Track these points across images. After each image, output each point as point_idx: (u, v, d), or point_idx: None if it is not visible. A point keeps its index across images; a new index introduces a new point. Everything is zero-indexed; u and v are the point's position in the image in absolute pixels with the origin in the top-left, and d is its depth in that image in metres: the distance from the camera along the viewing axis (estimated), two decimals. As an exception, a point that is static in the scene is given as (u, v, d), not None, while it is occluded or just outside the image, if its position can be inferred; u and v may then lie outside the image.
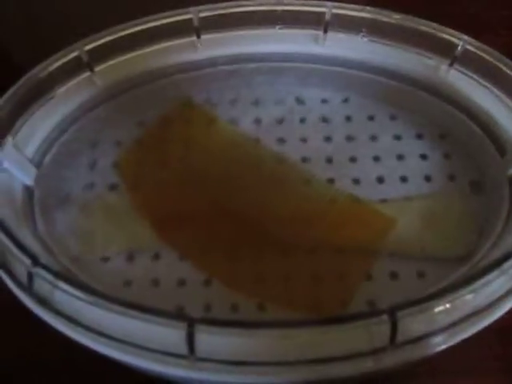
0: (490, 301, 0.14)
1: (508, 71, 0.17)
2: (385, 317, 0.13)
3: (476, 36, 0.19)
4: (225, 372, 0.13)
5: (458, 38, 0.18)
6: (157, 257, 0.18)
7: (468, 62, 0.18)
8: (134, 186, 0.19)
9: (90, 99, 0.19)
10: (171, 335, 0.13)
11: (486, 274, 0.13)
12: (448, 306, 0.13)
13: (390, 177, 0.20)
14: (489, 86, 0.18)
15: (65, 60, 0.18)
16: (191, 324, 0.12)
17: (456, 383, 0.20)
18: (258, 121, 0.21)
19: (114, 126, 0.20)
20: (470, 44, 0.18)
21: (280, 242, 0.18)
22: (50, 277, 0.13)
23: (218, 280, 0.17)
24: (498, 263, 0.13)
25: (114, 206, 0.19)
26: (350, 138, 0.21)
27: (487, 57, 0.18)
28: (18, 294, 0.15)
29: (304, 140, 0.21)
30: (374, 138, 0.21)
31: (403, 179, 0.20)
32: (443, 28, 0.18)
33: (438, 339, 0.14)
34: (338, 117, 0.21)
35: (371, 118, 0.21)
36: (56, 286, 0.13)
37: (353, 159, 0.20)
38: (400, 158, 0.20)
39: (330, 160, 0.20)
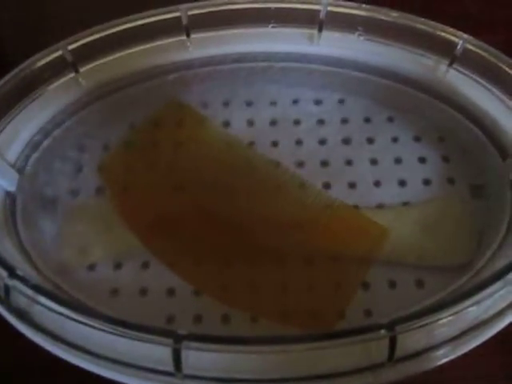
0: (493, 313, 0.13)
1: (509, 71, 0.17)
2: (384, 332, 0.12)
3: (474, 35, 0.18)
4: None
5: (458, 37, 0.17)
6: (145, 265, 0.18)
7: (468, 61, 0.18)
8: (120, 192, 0.18)
9: (76, 101, 0.19)
10: (157, 352, 0.13)
11: (488, 285, 0.13)
12: (449, 319, 0.13)
13: (388, 181, 0.19)
14: (490, 86, 0.18)
15: (48, 59, 0.17)
16: (178, 340, 0.12)
17: None
18: (251, 123, 0.20)
19: (101, 129, 0.19)
20: (469, 43, 0.17)
21: (272, 250, 0.17)
22: (27, 290, 0.13)
23: (209, 294, 0.17)
24: (500, 274, 0.13)
25: (101, 212, 0.18)
26: (345, 141, 0.20)
27: (488, 56, 0.17)
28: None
29: (299, 143, 0.20)
30: (370, 140, 0.20)
31: (401, 183, 0.19)
32: (442, 26, 0.18)
33: (438, 353, 0.13)
34: (333, 119, 0.20)
35: (368, 120, 0.20)
36: (33, 300, 0.13)
37: (349, 162, 0.19)
38: (397, 161, 0.19)
39: (325, 163, 0.19)
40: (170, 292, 0.17)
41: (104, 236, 0.18)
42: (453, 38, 0.18)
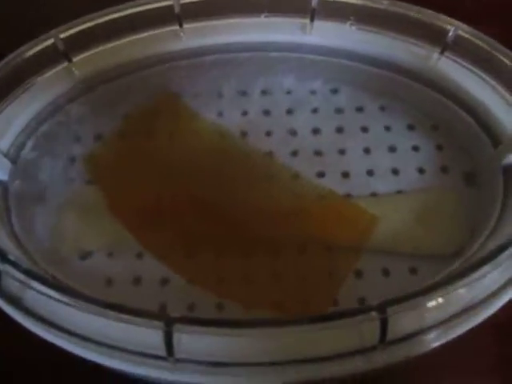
0: (485, 295, 0.13)
1: (502, 58, 0.17)
2: (374, 314, 0.12)
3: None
4: (206, 374, 0.13)
5: (449, 24, 0.17)
6: (139, 255, 0.18)
7: (460, 49, 0.18)
8: (109, 183, 0.18)
9: (69, 91, 0.19)
10: (149, 337, 0.13)
11: (479, 267, 0.13)
12: (440, 300, 0.13)
13: (381, 169, 0.19)
14: (482, 74, 0.18)
15: (40, 48, 0.17)
16: (169, 323, 0.12)
17: (450, 380, 0.20)
18: (244, 113, 0.20)
19: (93, 119, 0.19)
20: (461, 30, 0.17)
21: (265, 240, 0.17)
22: (19, 274, 0.13)
23: (201, 285, 0.17)
24: (492, 256, 0.13)
25: (94, 202, 0.18)
26: (339, 130, 0.20)
27: (480, 43, 0.17)
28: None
29: (292, 133, 0.20)
30: (364, 129, 0.20)
31: (394, 172, 0.19)
32: (434, 14, 0.18)
33: (430, 336, 0.13)
34: (326, 108, 0.20)
35: (361, 109, 0.20)
36: (25, 285, 0.12)
37: (342, 152, 0.19)
38: (391, 149, 0.19)
39: (318, 153, 0.19)
40: (164, 281, 0.17)
41: (98, 226, 0.18)
42: (444, 26, 0.18)
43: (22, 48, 0.17)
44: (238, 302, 0.16)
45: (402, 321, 0.13)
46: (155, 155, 0.19)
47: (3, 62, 0.17)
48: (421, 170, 0.19)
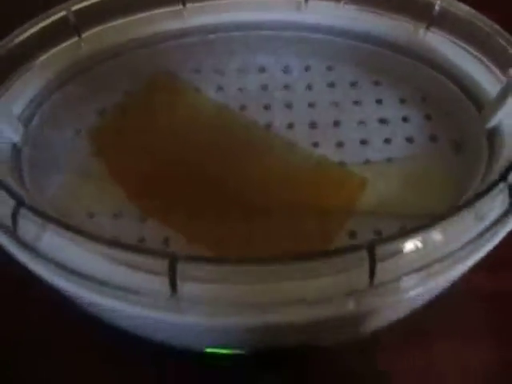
0: (465, 241, 0.14)
1: (485, 29, 0.18)
2: (364, 252, 0.13)
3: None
4: (210, 315, 0.14)
5: (435, -2, 0.19)
6: (142, 218, 0.18)
7: (445, 22, 0.19)
8: (112, 153, 0.19)
9: (77, 65, 0.20)
10: (154, 276, 0.13)
11: (459, 210, 0.14)
12: (429, 240, 0.13)
13: (373, 139, 0.20)
14: (466, 45, 0.19)
15: (53, 19, 0.18)
16: (174, 260, 0.13)
17: (443, 344, 0.20)
18: (242, 88, 0.21)
19: (99, 93, 0.20)
20: (446, 3, 0.18)
21: (261, 204, 0.18)
22: (35, 217, 0.13)
23: (203, 246, 0.17)
24: (473, 199, 0.14)
25: (98, 171, 0.19)
26: (333, 104, 0.21)
27: (464, 15, 0.18)
28: (3, 241, 0.15)
29: (288, 106, 0.21)
30: (357, 103, 0.21)
31: (386, 141, 0.20)
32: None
33: (420, 277, 0.14)
34: (321, 83, 0.21)
35: (354, 84, 0.21)
36: (42, 228, 0.13)
37: (336, 123, 0.20)
38: (382, 121, 0.20)
39: (314, 125, 0.20)
40: (165, 241, 0.18)
41: (102, 192, 0.19)
42: (430, 0, 0.19)
43: (35, 19, 0.18)
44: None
45: (392, 261, 0.14)
46: (155, 128, 0.20)
47: (15, 32, 0.18)
48: (410, 140, 0.20)
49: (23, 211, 0.13)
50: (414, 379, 0.20)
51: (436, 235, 0.14)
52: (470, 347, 0.21)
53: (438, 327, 0.21)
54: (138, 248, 0.13)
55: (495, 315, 0.22)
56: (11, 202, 0.14)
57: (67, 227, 0.13)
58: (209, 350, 0.18)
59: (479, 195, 0.14)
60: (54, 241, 0.14)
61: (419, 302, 0.17)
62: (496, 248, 0.23)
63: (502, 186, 0.14)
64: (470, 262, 0.15)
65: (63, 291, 0.15)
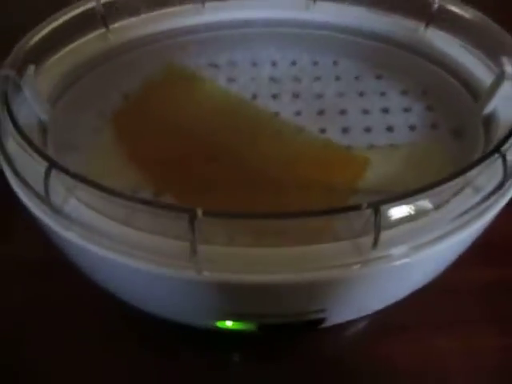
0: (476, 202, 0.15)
1: (480, 24, 0.20)
2: (369, 210, 0.14)
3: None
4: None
5: (434, -3, 0.20)
6: (157, 193, 0.20)
7: (443, 19, 0.21)
8: (131, 136, 0.21)
9: (103, 53, 0.21)
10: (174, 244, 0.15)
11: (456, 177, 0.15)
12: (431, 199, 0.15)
13: (377, 127, 0.21)
14: (462, 40, 0.20)
15: (84, 9, 0.20)
16: (193, 215, 0.14)
17: (435, 335, 0.22)
18: (254, 80, 0.23)
19: (123, 79, 0.22)
20: (444, 2, 0.20)
21: (271, 181, 0.19)
22: (67, 179, 0.15)
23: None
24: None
25: (118, 151, 0.20)
26: (339, 95, 0.22)
27: (460, 12, 0.20)
28: (32, 206, 0.16)
29: (296, 96, 0.22)
30: (361, 94, 0.22)
31: (389, 129, 0.21)
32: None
33: (424, 241, 0.15)
34: (328, 76, 0.23)
35: (358, 78, 0.23)
36: (74, 189, 0.15)
37: (342, 112, 0.22)
38: (385, 111, 0.22)
39: (321, 112, 0.22)
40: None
41: (120, 171, 0.20)
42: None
43: (66, 9, 0.20)
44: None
45: (396, 223, 0.15)
46: (172, 113, 0.21)
47: (46, 20, 0.19)
48: (412, 128, 0.21)
49: (55, 172, 0.15)
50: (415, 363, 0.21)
51: (435, 200, 0.15)
52: (470, 335, 0.22)
53: (436, 317, 0.22)
54: (161, 204, 0.14)
55: (492, 305, 0.23)
56: (41, 167, 0.15)
57: (99, 187, 0.14)
58: (220, 323, 0.19)
59: (473, 164, 0.15)
60: (81, 204, 0.15)
61: (421, 277, 0.18)
62: (492, 239, 0.25)
63: (496, 156, 0.15)
64: (468, 232, 0.16)
65: (88, 262, 0.16)
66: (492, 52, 0.20)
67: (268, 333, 0.19)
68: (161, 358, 0.21)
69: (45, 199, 0.15)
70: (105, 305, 0.22)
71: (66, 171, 0.15)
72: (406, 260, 0.15)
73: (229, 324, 0.19)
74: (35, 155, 0.15)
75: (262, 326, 0.19)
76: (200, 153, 0.20)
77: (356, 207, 0.14)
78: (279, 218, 0.14)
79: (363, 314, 0.20)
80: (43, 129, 0.19)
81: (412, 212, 0.15)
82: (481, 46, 0.20)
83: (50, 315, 0.22)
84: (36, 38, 0.19)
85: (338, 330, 0.22)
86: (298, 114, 0.22)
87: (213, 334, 0.21)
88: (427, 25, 0.21)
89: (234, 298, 0.16)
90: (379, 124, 0.21)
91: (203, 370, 0.21)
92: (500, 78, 0.19)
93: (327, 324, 0.20)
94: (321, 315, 0.18)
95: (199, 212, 0.13)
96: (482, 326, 0.22)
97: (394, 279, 0.17)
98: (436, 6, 0.20)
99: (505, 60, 0.18)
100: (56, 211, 0.15)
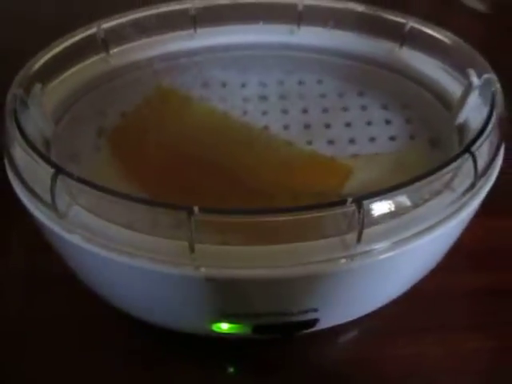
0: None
1: (446, 41, 0.22)
2: (352, 205, 0.15)
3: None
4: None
5: (406, 19, 0.23)
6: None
7: (415, 39, 0.23)
8: (128, 154, 0.22)
9: (103, 75, 0.23)
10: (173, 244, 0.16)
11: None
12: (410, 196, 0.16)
13: (360, 138, 0.23)
14: (433, 57, 0.22)
15: (87, 34, 0.22)
16: (191, 212, 0.15)
17: (425, 340, 0.23)
18: (245, 98, 0.24)
19: (120, 99, 0.23)
20: (414, 23, 0.22)
21: (261, 190, 0.21)
22: (71, 184, 0.16)
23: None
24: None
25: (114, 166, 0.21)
26: (324, 110, 0.24)
27: (431, 32, 0.22)
28: (35, 210, 0.17)
29: (285, 112, 0.24)
30: (345, 109, 0.24)
31: (371, 140, 0.23)
32: (394, 12, 0.23)
33: (408, 235, 0.16)
34: (313, 94, 0.25)
35: (342, 95, 0.25)
36: (78, 192, 0.16)
37: (327, 126, 0.23)
38: (368, 123, 0.23)
39: (308, 127, 0.23)
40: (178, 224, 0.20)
41: (119, 182, 0.21)
42: (402, 21, 0.23)
43: (70, 35, 0.21)
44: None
45: (379, 217, 0.16)
46: (164, 131, 0.23)
47: (52, 44, 0.21)
48: (393, 138, 0.23)
49: (61, 178, 0.16)
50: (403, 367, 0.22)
51: (414, 198, 0.16)
52: (458, 340, 0.23)
53: (424, 323, 0.23)
54: (157, 202, 0.15)
55: (480, 310, 0.24)
56: (47, 174, 0.16)
57: (103, 189, 0.15)
58: (216, 327, 0.19)
59: (446, 163, 0.16)
60: (83, 209, 0.16)
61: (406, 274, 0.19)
62: (479, 246, 0.26)
63: (466, 156, 0.17)
64: (439, 231, 0.17)
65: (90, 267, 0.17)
66: (460, 66, 0.22)
67: (263, 335, 0.20)
68: (152, 370, 0.21)
69: (51, 205, 0.16)
70: (103, 318, 0.23)
71: (71, 176, 0.16)
72: (390, 254, 0.16)
73: (224, 327, 0.19)
74: (41, 162, 0.16)
75: (257, 328, 0.19)
76: (193, 166, 0.22)
77: (341, 202, 0.15)
78: (271, 213, 0.15)
79: (355, 315, 0.21)
80: (47, 143, 0.20)
81: (393, 208, 0.16)
82: (450, 62, 0.22)
83: (48, 327, 0.22)
84: (42, 61, 0.20)
85: (329, 336, 0.23)
86: (286, 128, 0.23)
87: (205, 346, 0.22)
88: (401, 45, 0.23)
89: (228, 294, 0.17)
90: (362, 136, 0.23)
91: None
92: (468, 89, 0.20)
93: (320, 326, 0.20)
94: (313, 315, 0.19)
95: (195, 209, 0.14)
96: (469, 331, 0.23)
97: (380, 276, 0.18)
98: (408, 27, 0.22)
99: (471, 72, 0.20)
100: (61, 216, 0.16)
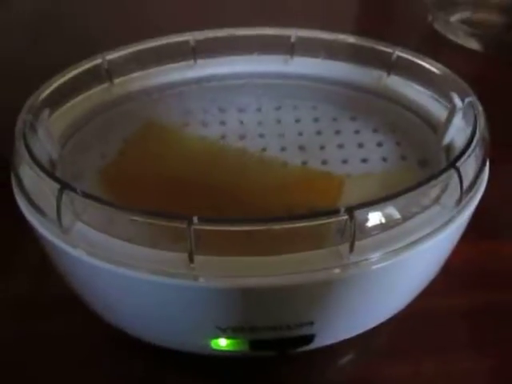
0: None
1: (431, 69, 0.23)
2: (343, 214, 0.16)
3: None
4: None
5: (392, 49, 0.24)
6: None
7: (401, 67, 0.24)
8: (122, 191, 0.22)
9: (107, 103, 0.24)
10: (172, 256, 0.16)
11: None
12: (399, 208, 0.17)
13: (353, 159, 0.24)
14: (419, 83, 0.24)
15: (92, 65, 0.23)
16: (190, 222, 0.15)
17: (423, 360, 0.23)
18: (242, 123, 0.26)
19: (122, 126, 0.24)
20: (401, 52, 0.24)
21: (259, 208, 0.21)
22: (79, 199, 0.16)
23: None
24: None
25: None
26: (318, 133, 0.25)
27: (416, 60, 0.24)
28: (40, 227, 0.18)
29: (281, 135, 0.25)
30: (338, 132, 0.25)
31: (364, 160, 0.24)
32: (382, 43, 0.24)
33: (400, 246, 0.17)
34: (307, 119, 0.26)
35: (335, 119, 0.26)
36: (87, 205, 0.16)
37: (322, 147, 0.24)
38: (360, 145, 0.25)
39: (302, 148, 0.24)
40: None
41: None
42: (389, 50, 0.24)
43: (76, 65, 0.23)
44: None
45: (370, 226, 0.17)
46: (161, 159, 0.23)
47: (59, 74, 0.22)
48: (384, 159, 0.24)
49: (66, 193, 0.16)
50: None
51: (404, 211, 0.17)
52: (457, 359, 0.23)
53: (422, 342, 0.23)
54: (157, 213, 0.16)
55: (479, 330, 0.24)
56: (53, 189, 0.17)
57: (108, 204, 0.16)
58: (214, 343, 0.20)
59: (432, 177, 0.17)
60: (86, 225, 0.17)
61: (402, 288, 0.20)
62: (477, 266, 0.27)
63: (452, 171, 0.18)
64: (428, 244, 0.17)
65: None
66: (444, 91, 0.23)
67: (260, 352, 0.20)
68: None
69: (55, 221, 0.17)
70: (104, 341, 0.23)
71: (76, 191, 0.16)
72: (382, 264, 0.17)
73: (223, 344, 0.20)
74: (47, 179, 0.17)
75: (254, 343, 0.19)
76: (190, 189, 0.22)
77: (334, 211, 0.16)
78: (268, 222, 0.16)
79: (352, 332, 0.21)
80: (53, 165, 0.21)
81: (383, 220, 0.17)
82: (434, 87, 0.24)
83: (49, 352, 0.23)
84: (51, 88, 0.22)
85: (327, 357, 0.23)
86: (283, 149, 0.24)
87: (204, 370, 0.22)
88: (389, 73, 0.25)
89: (226, 304, 0.17)
90: (355, 157, 0.24)
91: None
92: (452, 112, 0.22)
93: (318, 344, 0.21)
94: (310, 330, 0.19)
95: (195, 218, 0.15)
96: (466, 351, 0.23)
97: (374, 288, 0.18)
98: (394, 56, 0.24)
99: (454, 96, 0.22)
100: (65, 231, 0.17)
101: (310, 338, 0.20)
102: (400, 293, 0.20)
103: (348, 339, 0.21)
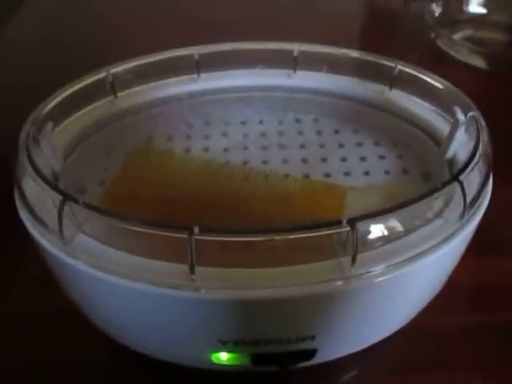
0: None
1: (433, 83, 0.23)
2: (345, 225, 0.16)
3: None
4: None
5: (394, 63, 0.24)
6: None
7: (403, 81, 0.24)
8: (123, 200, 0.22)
9: (110, 116, 0.24)
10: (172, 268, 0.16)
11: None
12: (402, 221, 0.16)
13: (355, 172, 0.24)
14: (421, 97, 0.24)
15: (96, 78, 0.23)
16: (191, 232, 0.15)
17: (426, 377, 0.23)
18: (245, 135, 0.26)
19: (126, 139, 0.25)
20: (402, 66, 0.24)
21: (262, 220, 0.21)
22: (81, 210, 0.16)
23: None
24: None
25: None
26: (321, 146, 0.25)
27: (417, 74, 0.24)
28: (41, 239, 0.18)
29: (283, 148, 0.25)
30: (340, 145, 0.25)
31: (366, 173, 0.24)
32: (383, 57, 0.25)
33: (403, 258, 0.17)
34: (310, 131, 0.26)
35: (337, 132, 0.26)
36: (88, 216, 0.16)
37: (324, 160, 0.24)
38: (362, 159, 0.24)
39: (305, 160, 0.24)
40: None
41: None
42: (391, 64, 0.24)
43: (80, 79, 0.23)
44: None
45: (373, 239, 0.16)
46: (163, 174, 0.23)
47: (63, 87, 0.23)
48: (387, 172, 0.24)
49: (68, 205, 0.16)
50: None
51: (406, 224, 0.17)
52: (460, 377, 0.22)
53: (425, 360, 0.23)
54: (158, 223, 0.16)
55: (482, 348, 0.24)
56: (56, 200, 0.17)
57: (111, 214, 0.16)
58: (214, 357, 0.19)
59: (434, 189, 0.17)
60: (87, 236, 0.17)
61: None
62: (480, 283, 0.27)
63: (455, 184, 0.17)
64: (431, 257, 0.17)
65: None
66: (446, 105, 0.23)
67: (261, 366, 0.20)
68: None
69: (57, 232, 0.17)
70: (104, 357, 0.23)
71: (78, 202, 0.16)
72: (385, 277, 0.17)
73: (223, 358, 0.19)
74: (50, 190, 0.17)
75: (255, 357, 0.19)
76: (194, 198, 0.22)
77: (336, 222, 0.16)
78: (270, 232, 0.16)
79: (354, 348, 0.21)
80: (56, 177, 0.21)
81: (386, 233, 0.17)
82: (436, 101, 0.24)
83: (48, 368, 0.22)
84: (55, 102, 0.22)
85: (329, 374, 0.23)
86: (285, 162, 0.24)
87: (201, 381, 0.21)
88: (391, 87, 0.25)
89: (227, 316, 0.17)
90: (357, 169, 0.24)
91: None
92: (455, 126, 0.22)
93: (319, 359, 0.20)
94: (311, 344, 0.19)
95: (196, 229, 0.15)
96: (471, 370, 0.23)
97: (376, 302, 0.18)
98: (396, 71, 0.24)
99: (457, 109, 0.22)
100: (66, 243, 0.17)
101: (311, 353, 0.19)
102: (403, 307, 0.20)
103: (351, 354, 0.21)
